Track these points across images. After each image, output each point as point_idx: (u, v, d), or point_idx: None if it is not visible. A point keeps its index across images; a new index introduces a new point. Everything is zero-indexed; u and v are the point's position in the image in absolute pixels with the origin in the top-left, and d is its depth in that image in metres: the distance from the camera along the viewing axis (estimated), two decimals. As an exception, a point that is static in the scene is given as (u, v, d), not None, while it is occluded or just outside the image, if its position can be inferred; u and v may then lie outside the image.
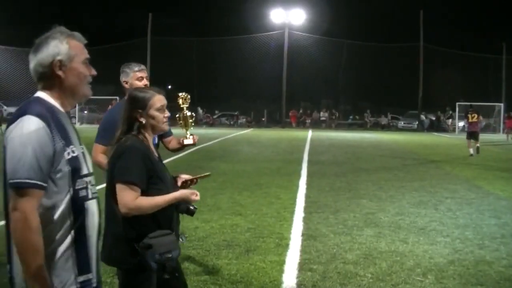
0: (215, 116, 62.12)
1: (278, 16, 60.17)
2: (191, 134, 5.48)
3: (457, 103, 51.66)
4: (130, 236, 3.54)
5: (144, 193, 3.55)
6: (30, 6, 72.94)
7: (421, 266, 6.90)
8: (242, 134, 42.44)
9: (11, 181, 2.61)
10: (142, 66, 5.45)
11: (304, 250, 7.61)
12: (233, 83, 63.50)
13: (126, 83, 5.34)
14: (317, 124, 59.77)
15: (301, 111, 64.38)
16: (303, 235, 8.50)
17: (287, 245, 7.86)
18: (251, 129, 52.92)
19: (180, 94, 5.33)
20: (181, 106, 5.38)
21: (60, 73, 2.83)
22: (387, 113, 61.86)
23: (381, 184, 14.10)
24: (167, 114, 3.85)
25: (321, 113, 61.99)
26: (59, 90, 2.86)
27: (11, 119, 2.71)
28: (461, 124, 48.07)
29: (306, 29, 60.79)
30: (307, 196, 12.07)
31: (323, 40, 59.69)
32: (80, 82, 2.91)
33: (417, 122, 57.22)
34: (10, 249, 2.71)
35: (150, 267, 3.50)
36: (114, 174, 3.57)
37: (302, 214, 10.09)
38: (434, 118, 58.59)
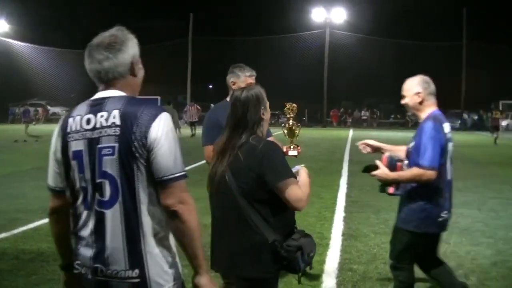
0: (255, 116, 61.94)
1: (319, 15, 60.11)
2: (296, 145, 5.37)
3: (500, 102, 50.72)
4: (275, 241, 3.43)
5: None
6: (78, 8, 73.91)
7: (463, 267, 6.83)
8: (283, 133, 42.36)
9: (172, 176, 2.59)
10: (254, 72, 5.35)
11: (344, 250, 7.62)
12: (274, 83, 63.35)
13: (234, 84, 5.25)
14: (358, 123, 59.54)
15: (342, 110, 63.96)
16: (343, 234, 8.50)
17: (327, 245, 7.87)
18: (292, 128, 52.79)
19: (287, 104, 5.17)
20: (288, 116, 5.24)
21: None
22: (429, 112, 60.81)
23: (423, 184, 13.87)
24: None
25: (362, 112, 61.66)
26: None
27: (147, 116, 2.61)
28: (504, 123, 46.72)
29: (347, 28, 60.53)
30: (348, 196, 12.04)
31: (364, 39, 59.09)
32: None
33: (459, 121, 56.31)
34: (142, 252, 2.62)
35: (298, 268, 3.51)
36: (267, 176, 3.41)
37: (343, 214, 10.09)
38: (476, 117, 57.67)
